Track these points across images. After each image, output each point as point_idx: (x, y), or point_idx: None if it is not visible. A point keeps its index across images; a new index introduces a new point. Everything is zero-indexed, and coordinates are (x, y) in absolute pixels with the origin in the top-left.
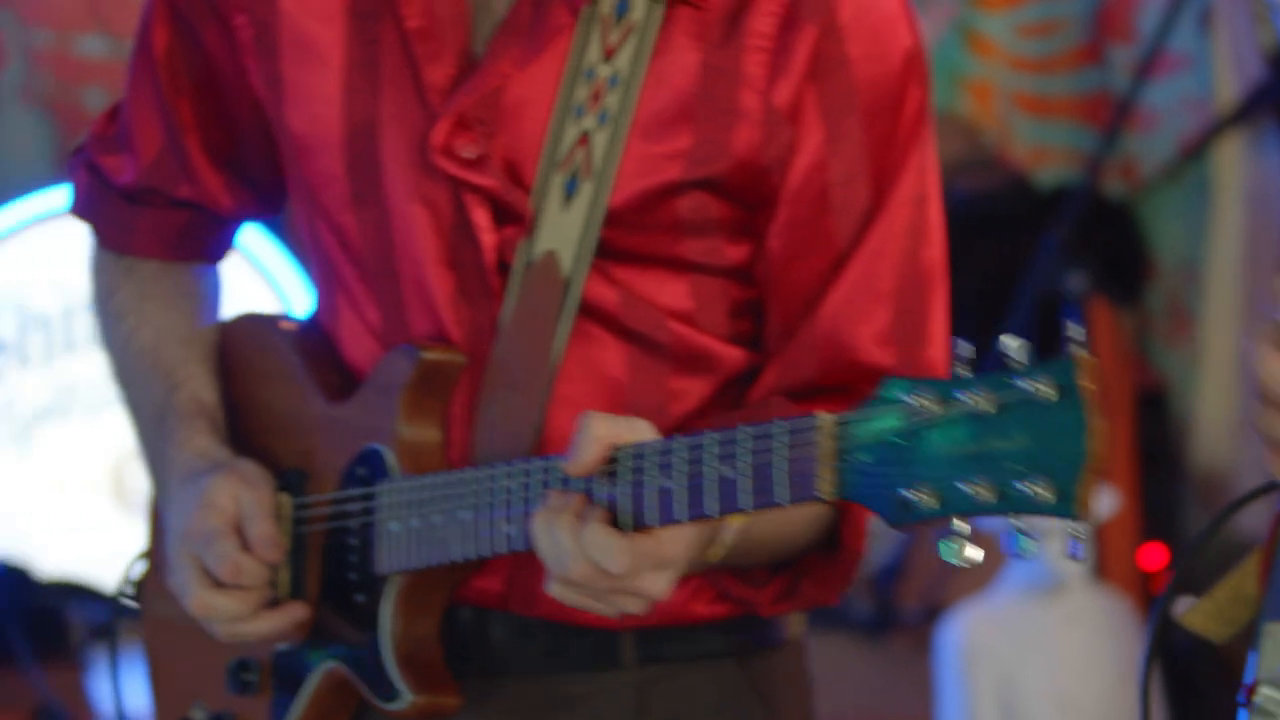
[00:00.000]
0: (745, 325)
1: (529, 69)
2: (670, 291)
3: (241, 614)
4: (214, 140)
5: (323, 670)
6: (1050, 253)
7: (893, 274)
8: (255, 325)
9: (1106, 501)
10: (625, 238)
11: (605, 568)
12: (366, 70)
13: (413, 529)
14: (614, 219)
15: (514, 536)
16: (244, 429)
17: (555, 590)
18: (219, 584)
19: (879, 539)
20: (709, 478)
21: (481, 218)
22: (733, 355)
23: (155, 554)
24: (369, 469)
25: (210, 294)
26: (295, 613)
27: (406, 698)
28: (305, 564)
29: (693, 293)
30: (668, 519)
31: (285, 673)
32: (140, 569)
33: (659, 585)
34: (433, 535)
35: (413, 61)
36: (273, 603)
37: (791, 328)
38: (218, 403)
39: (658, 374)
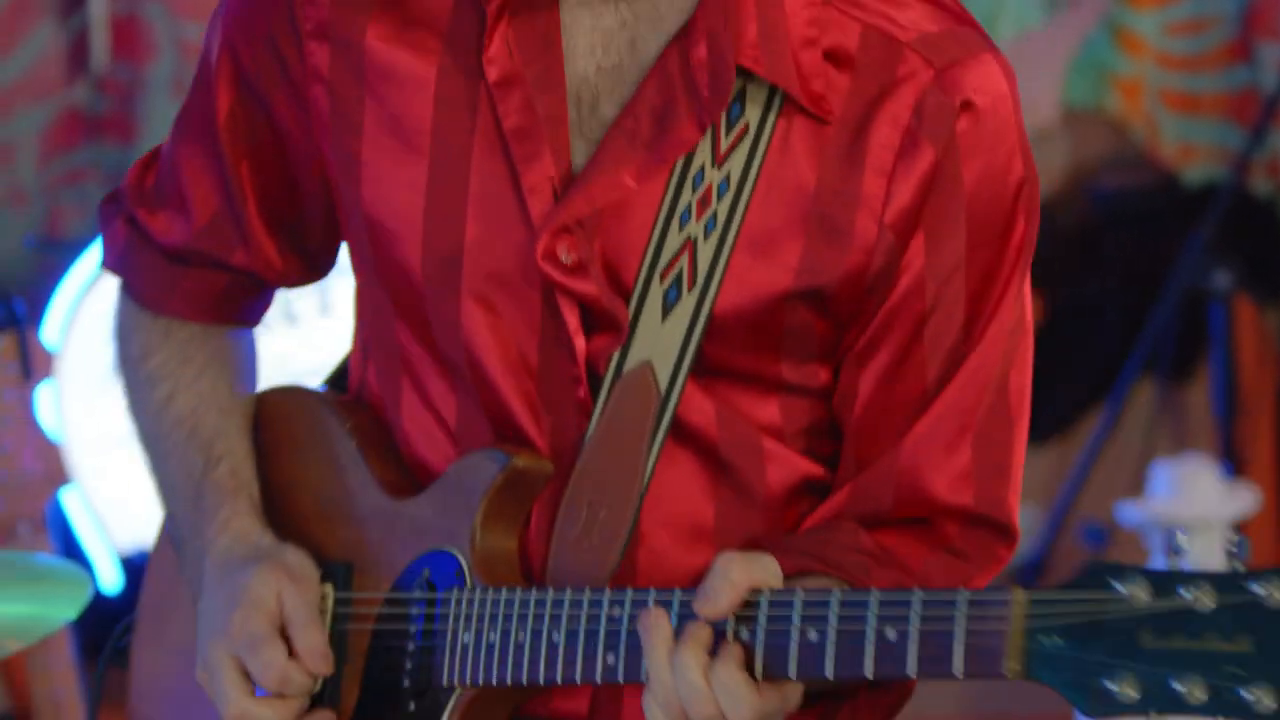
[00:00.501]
0: (824, 446)
1: (646, 182)
2: (762, 410)
3: None
4: (272, 207)
5: None
6: (1196, 250)
7: (981, 407)
8: (298, 400)
9: (1250, 499)
10: (723, 352)
11: (728, 716)
12: (456, 164)
13: (489, 644)
14: (714, 332)
15: (614, 667)
16: (282, 509)
17: (653, 712)
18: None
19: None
20: (869, 638)
21: (574, 324)
22: (817, 473)
23: (149, 620)
24: (436, 573)
25: (248, 361)
26: (327, 719)
27: None
28: (344, 663)
29: (781, 412)
30: (809, 674)
31: None
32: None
33: None
34: (514, 653)
35: (510, 161)
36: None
37: (871, 455)
38: (254, 479)
39: (744, 499)
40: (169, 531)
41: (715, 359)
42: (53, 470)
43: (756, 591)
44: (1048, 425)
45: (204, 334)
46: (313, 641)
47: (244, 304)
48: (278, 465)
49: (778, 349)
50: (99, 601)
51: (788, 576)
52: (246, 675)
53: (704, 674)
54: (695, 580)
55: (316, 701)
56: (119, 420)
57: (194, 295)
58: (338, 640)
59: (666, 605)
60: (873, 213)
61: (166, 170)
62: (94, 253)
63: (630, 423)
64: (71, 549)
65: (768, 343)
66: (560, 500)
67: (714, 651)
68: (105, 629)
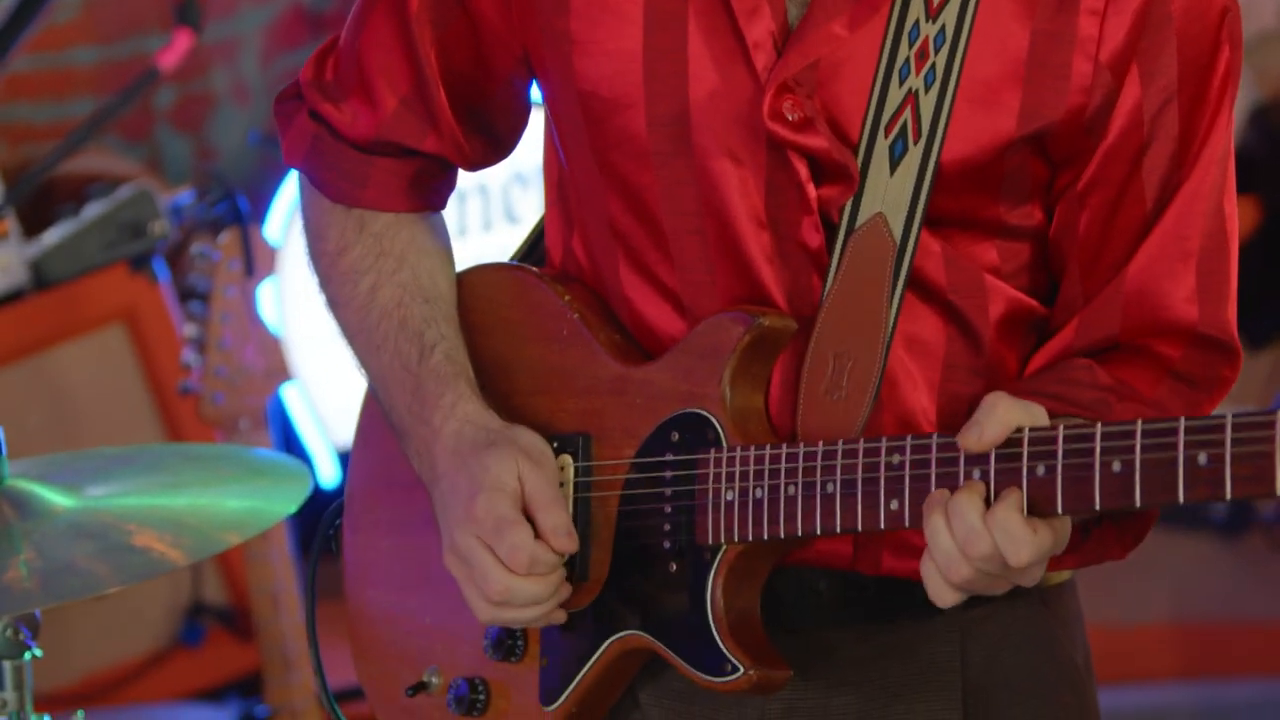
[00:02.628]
0: (1040, 283)
1: (858, 31)
2: (982, 253)
3: (543, 597)
4: (462, 91)
5: (617, 639)
6: None
7: (1199, 233)
8: (505, 277)
9: None
10: (948, 201)
11: (1007, 557)
12: (673, 26)
13: (756, 500)
14: (940, 182)
15: (899, 513)
16: (501, 388)
17: (934, 568)
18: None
19: None
20: (1142, 467)
21: (805, 174)
22: (1034, 307)
23: (355, 505)
24: (687, 435)
25: (445, 246)
26: (565, 592)
27: (740, 671)
28: (590, 532)
29: (999, 254)
30: (1080, 506)
31: (563, 640)
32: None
33: (1036, 575)
34: (785, 507)
35: (731, 19)
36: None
37: (1096, 285)
38: (469, 362)
39: (971, 340)
40: (392, 423)
41: (940, 207)
42: (274, 366)
43: (1022, 430)
44: (1263, 331)
45: (398, 223)
46: (557, 520)
47: (433, 188)
48: (491, 344)
49: (998, 193)
50: (318, 496)
51: None
52: (500, 557)
53: (981, 516)
54: (939, 422)
55: (567, 574)
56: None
57: (385, 185)
58: (582, 510)
59: (938, 449)
60: (1088, 53)
61: (349, 61)
62: None
63: (868, 274)
64: (291, 444)
65: (989, 188)
66: (804, 355)
67: (989, 498)
68: None
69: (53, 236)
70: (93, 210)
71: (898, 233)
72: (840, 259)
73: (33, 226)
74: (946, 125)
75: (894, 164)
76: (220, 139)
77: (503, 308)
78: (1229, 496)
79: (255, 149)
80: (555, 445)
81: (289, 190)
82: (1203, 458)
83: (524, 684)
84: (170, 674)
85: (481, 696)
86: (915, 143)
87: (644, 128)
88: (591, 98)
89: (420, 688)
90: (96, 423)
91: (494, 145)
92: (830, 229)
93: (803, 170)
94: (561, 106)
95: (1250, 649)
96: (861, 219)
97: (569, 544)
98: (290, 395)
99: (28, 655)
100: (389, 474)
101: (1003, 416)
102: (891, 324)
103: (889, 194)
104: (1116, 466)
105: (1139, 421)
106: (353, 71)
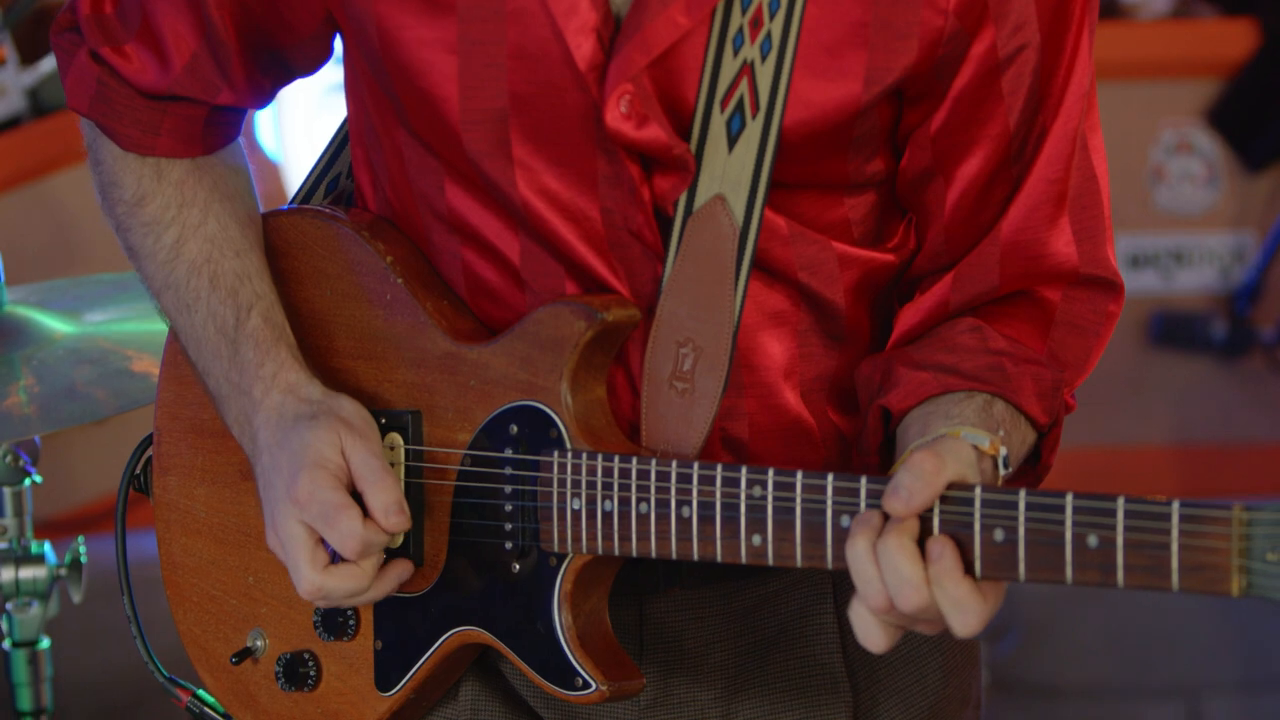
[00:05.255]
0: (890, 234)
1: (698, 12)
2: (830, 214)
3: (359, 590)
4: (257, 45)
5: (457, 633)
6: None
7: (1069, 175)
8: (316, 226)
9: None
10: (793, 170)
11: (953, 624)
12: (489, 19)
13: (605, 512)
14: (785, 153)
15: (761, 549)
16: (317, 346)
17: (861, 615)
18: (330, 560)
19: (1239, 263)
20: (1076, 545)
21: (637, 172)
22: (888, 263)
23: (164, 446)
24: (526, 428)
25: (246, 182)
26: (406, 571)
27: (593, 686)
28: (424, 517)
29: (848, 211)
30: (1005, 576)
31: (398, 627)
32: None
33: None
34: (637, 524)
35: (548, 12)
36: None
37: (967, 238)
38: (286, 323)
39: (831, 311)
40: (208, 387)
41: (785, 174)
42: (273, 192)
43: (954, 487)
44: (1264, 153)
45: (197, 169)
46: (388, 498)
47: (228, 123)
48: (305, 296)
49: (846, 153)
50: None
51: (931, 397)
52: (320, 543)
53: (918, 569)
54: (794, 418)
55: (398, 553)
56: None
57: (179, 132)
58: (415, 493)
59: (853, 495)
60: (936, 6)
61: (140, 13)
62: None
63: (710, 259)
64: None
65: (838, 150)
66: (645, 345)
67: (924, 548)
68: None
69: (50, 63)
70: None
71: (739, 213)
72: (679, 246)
73: (30, 54)
74: (786, 95)
75: (732, 140)
76: None
77: (317, 259)
78: (1173, 588)
79: None
80: (383, 421)
81: None
82: (1093, 539)
83: (357, 663)
84: None
85: (312, 672)
86: (754, 116)
87: (459, 124)
88: (407, 83)
89: (245, 654)
90: (95, 249)
91: (290, 80)
92: (666, 221)
93: (635, 170)
94: (378, 80)
95: (1248, 470)
96: (700, 202)
97: (401, 522)
98: None
99: (27, 481)
100: (197, 420)
101: (929, 479)
102: (738, 309)
103: (729, 172)
104: (1000, 536)
105: (1022, 492)
106: (135, 13)
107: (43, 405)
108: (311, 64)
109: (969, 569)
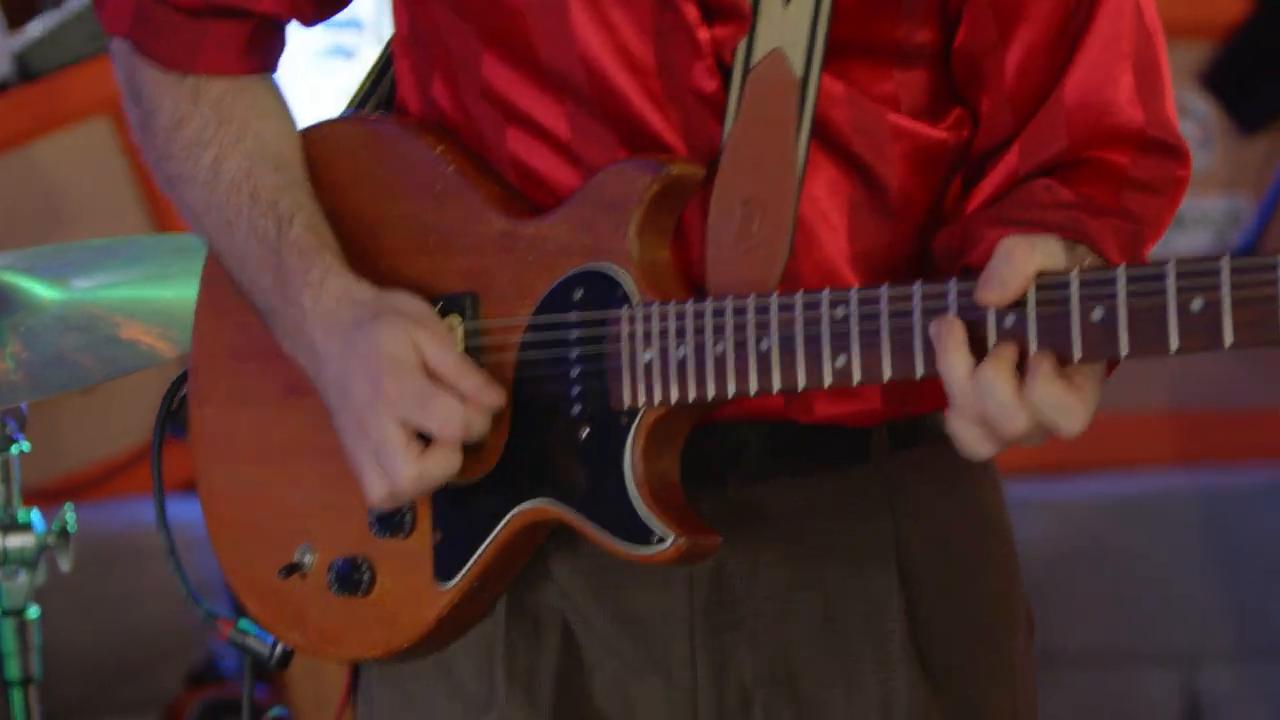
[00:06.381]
0: (941, 110)
1: None
2: (882, 84)
3: (454, 470)
4: None
5: (522, 510)
6: None
7: (1128, 34)
8: (360, 131)
9: None
10: (847, 28)
11: (1059, 427)
12: None
13: (680, 360)
14: (839, 9)
15: (845, 369)
16: (367, 251)
17: (960, 425)
18: (424, 448)
19: (1235, 225)
20: (1171, 310)
21: (694, 16)
22: (941, 140)
23: (202, 378)
24: (591, 293)
25: (285, 106)
26: (485, 456)
27: (670, 540)
28: None
29: (898, 85)
30: (1106, 353)
31: (458, 513)
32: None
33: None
34: (714, 366)
35: None
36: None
37: (1031, 102)
38: (329, 229)
39: (882, 185)
40: (255, 304)
41: (839, 35)
42: None
43: (1042, 275)
44: (1258, 116)
45: (235, 88)
46: (474, 380)
47: (268, 48)
48: (350, 204)
49: (897, 14)
50: None
51: None
52: (415, 437)
53: (1012, 387)
54: (860, 269)
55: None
56: (333, 97)
57: (220, 48)
58: None
59: (941, 298)
60: None
61: None
62: None
63: (771, 114)
64: None
65: (889, 9)
66: (708, 204)
67: (1020, 364)
68: None
69: (37, 28)
70: (77, 1)
71: (798, 67)
72: (740, 101)
73: (16, 18)
74: None
75: None
76: None
77: (362, 163)
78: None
79: None
80: (439, 306)
81: None
82: (1197, 303)
83: (414, 560)
84: None
85: (366, 575)
86: None
87: None
88: None
89: (294, 569)
90: (82, 215)
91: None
92: (726, 72)
93: (691, 12)
94: None
95: (1245, 436)
96: (757, 56)
97: (497, 397)
98: None
99: (15, 449)
100: (235, 345)
101: (1020, 265)
102: (802, 163)
103: (785, 27)
104: (1098, 315)
105: (1121, 268)
106: None
107: (30, 372)
108: None
109: (1066, 359)
